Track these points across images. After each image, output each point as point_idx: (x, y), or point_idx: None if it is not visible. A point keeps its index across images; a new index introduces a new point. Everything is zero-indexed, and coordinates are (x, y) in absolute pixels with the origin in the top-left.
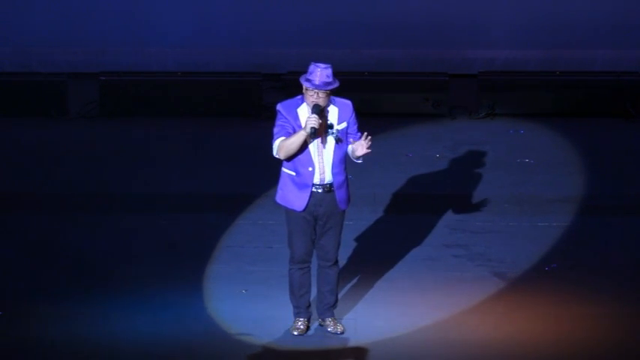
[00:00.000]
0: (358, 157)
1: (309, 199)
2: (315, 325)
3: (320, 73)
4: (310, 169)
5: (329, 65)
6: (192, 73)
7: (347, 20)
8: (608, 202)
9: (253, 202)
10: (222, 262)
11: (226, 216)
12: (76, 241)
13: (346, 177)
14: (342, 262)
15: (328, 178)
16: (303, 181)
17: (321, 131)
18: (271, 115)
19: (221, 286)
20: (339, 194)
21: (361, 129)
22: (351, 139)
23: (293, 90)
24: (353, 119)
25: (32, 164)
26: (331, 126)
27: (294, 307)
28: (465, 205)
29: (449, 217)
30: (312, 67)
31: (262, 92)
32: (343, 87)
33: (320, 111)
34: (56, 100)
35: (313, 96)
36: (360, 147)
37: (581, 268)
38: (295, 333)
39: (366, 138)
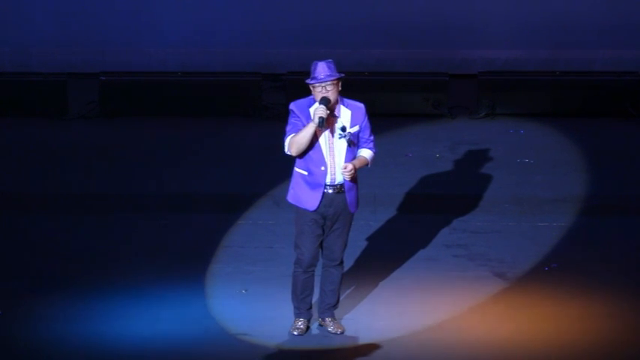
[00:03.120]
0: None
1: (321, 199)
2: (315, 325)
3: (321, 67)
4: (323, 168)
5: (330, 60)
6: (193, 73)
7: (347, 20)
8: (608, 202)
9: (253, 202)
10: (222, 262)
11: (226, 216)
12: (74, 240)
13: (357, 180)
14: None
15: (339, 179)
16: (315, 181)
17: (329, 122)
18: (271, 115)
19: (221, 285)
20: (350, 196)
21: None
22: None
23: (293, 90)
24: (366, 123)
25: (31, 164)
26: (344, 129)
27: (295, 307)
28: (465, 205)
29: (449, 216)
30: (313, 65)
31: (262, 92)
32: (343, 87)
33: (328, 103)
34: (56, 100)
35: (322, 91)
36: (342, 170)
37: (581, 268)
38: (295, 333)
39: (345, 168)
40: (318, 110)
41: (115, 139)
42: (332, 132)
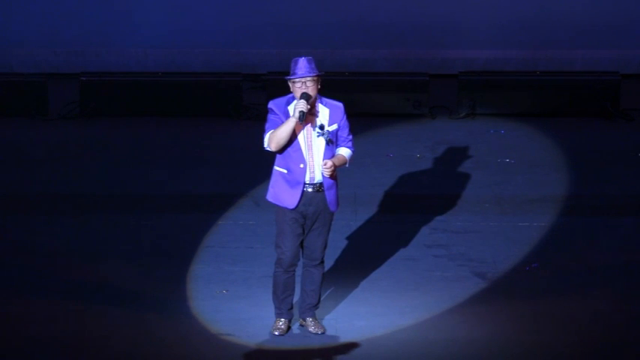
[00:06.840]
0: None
1: (300, 197)
2: (295, 325)
3: (302, 63)
4: (302, 165)
5: (310, 57)
6: (173, 74)
7: (328, 20)
8: (589, 202)
9: (234, 202)
10: (203, 263)
11: (207, 216)
12: (54, 241)
13: (336, 178)
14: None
15: (318, 177)
16: (294, 179)
17: (308, 120)
18: (251, 115)
19: (202, 286)
20: (329, 195)
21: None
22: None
23: (273, 90)
24: (344, 122)
25: (11, 165)
26: (322, 127)
27: (276, 307)
28: (446, 205)
29: (429, 217)
30: (293, 62)
31: (243, 92)
32: (323, 87)
33: (309, 99)
34: (37, 100)
35: (302, 87)
36: (322, 167)
37: (561, 268)
38: (276, 333)
39: (325, 164)
40: (299, 104)
41: (95, 139)
42: (311, 129)
